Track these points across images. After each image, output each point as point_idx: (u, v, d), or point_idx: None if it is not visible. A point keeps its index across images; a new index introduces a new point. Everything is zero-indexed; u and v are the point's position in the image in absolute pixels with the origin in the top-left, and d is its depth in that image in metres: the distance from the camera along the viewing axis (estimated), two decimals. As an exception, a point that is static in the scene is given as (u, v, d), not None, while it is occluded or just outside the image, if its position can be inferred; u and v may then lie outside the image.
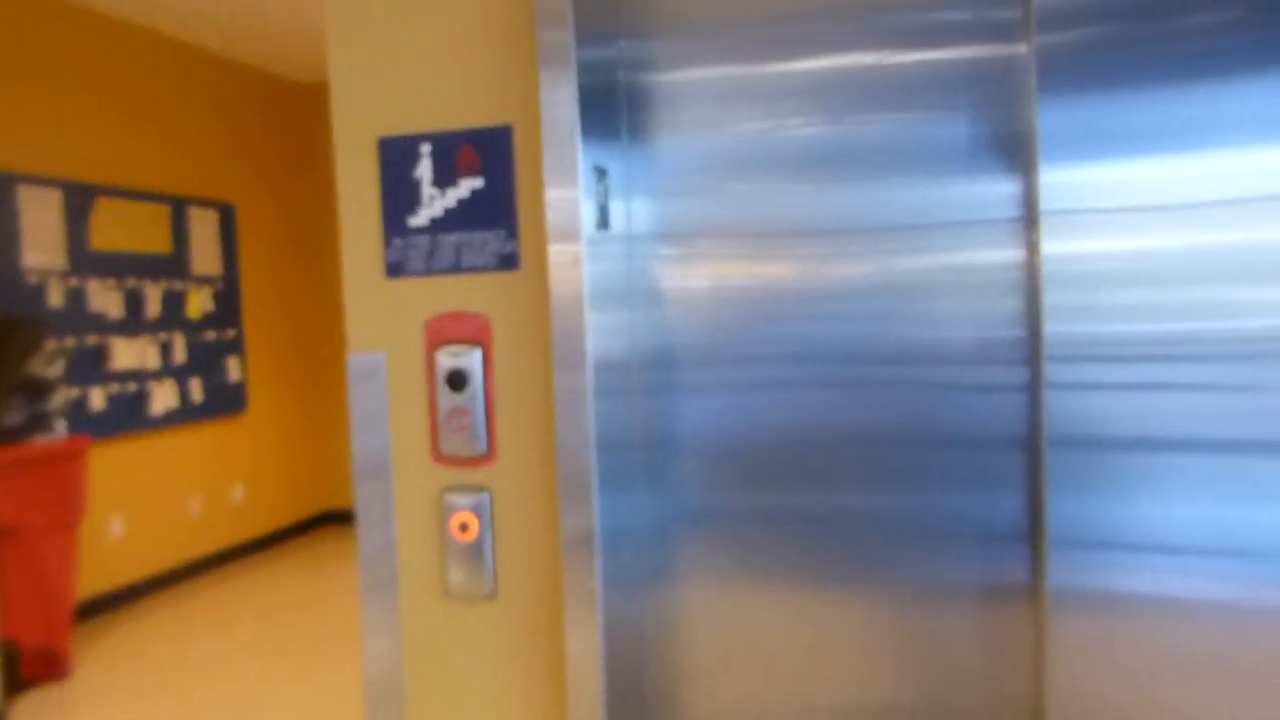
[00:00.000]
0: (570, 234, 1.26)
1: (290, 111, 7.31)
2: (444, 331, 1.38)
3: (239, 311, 6.61)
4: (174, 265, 6.05)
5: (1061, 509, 1.31)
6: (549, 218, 1.26)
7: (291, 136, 7.30)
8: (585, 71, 1.30)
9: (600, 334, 1.33)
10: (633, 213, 1.42)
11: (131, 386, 5.70)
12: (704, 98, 1.39)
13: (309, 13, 5.46)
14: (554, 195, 1.26)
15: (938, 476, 1.37)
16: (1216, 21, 1.23)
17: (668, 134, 1.40)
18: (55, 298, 5.21)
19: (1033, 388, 1.32)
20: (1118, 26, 1.26)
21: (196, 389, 6.21)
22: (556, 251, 1.27)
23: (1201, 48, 1.24)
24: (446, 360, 1.37)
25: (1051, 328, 1.29)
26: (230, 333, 6.51)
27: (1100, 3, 1.26)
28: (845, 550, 1.40)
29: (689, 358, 1.42)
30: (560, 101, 1.27)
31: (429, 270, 1.37)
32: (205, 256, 6.32)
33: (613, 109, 1.40)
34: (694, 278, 1.41)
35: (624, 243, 1.41)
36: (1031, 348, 1.32)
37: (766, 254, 1.39)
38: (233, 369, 6.53)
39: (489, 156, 1.34)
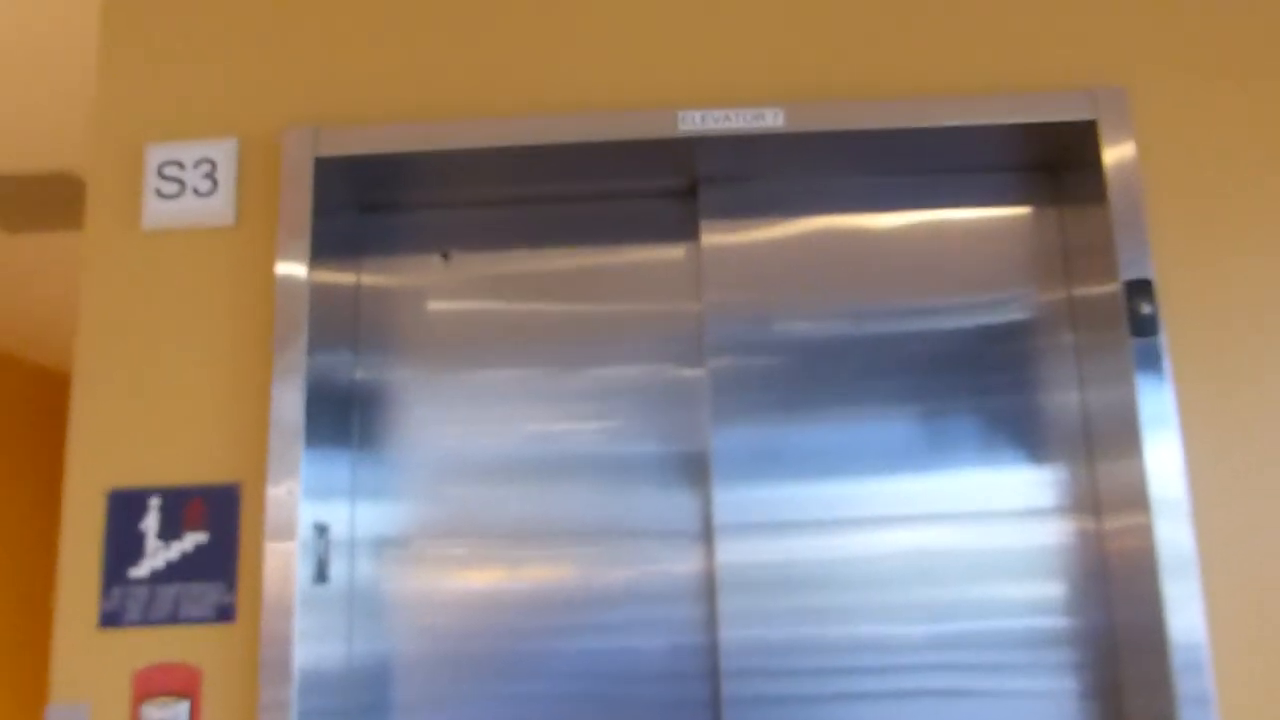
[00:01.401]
0: (286, 592, 1.36)
1: (58, 407, 6.95)
2: (153, 683, 1.39)
3: (-65, 638, 5.84)
4: None
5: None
6: (266, 576, 1.37)
7: (57, 434, 6.89)
8: (320, 384, 1.47)
9: (313, 660, 1.40)
10: (358, 518, 1.56)
11: None
12: (430, 408, 1.59)
13: (64, 298, 5.35)
14: (273, 554, 1.38)
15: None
16: (857, 364, 1.57)
17: (396, 440, 1.58)
18: None
19: (714, 702, 1.48)
20: (779, 363, 1.57)
21: None
22: (271, 607, 1.36)
23: (848, 386, 1.56)
24: (152, 713, 1.37)
25: (726, 634, 1.48)
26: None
27: (762, 341, 1.58)
28: None
29: (404, 671, 1.51)
30: (287, 462, 1.41)
31: (145, 621, 1.41)
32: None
33: (346, 417, 1.57)
34: (412, 583, 1.54)
35: (346, 550, 1.54)
36: (712, 657, 1.49)
37: (479, 559, 1.55)
38: (-83, 706, 5.67)
39: (216, 512, 1.43)
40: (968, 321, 1.58)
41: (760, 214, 1.63)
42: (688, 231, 1.65)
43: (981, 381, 1.57)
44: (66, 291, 4.81)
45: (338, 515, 1.51)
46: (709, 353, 1.58)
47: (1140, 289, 1.40)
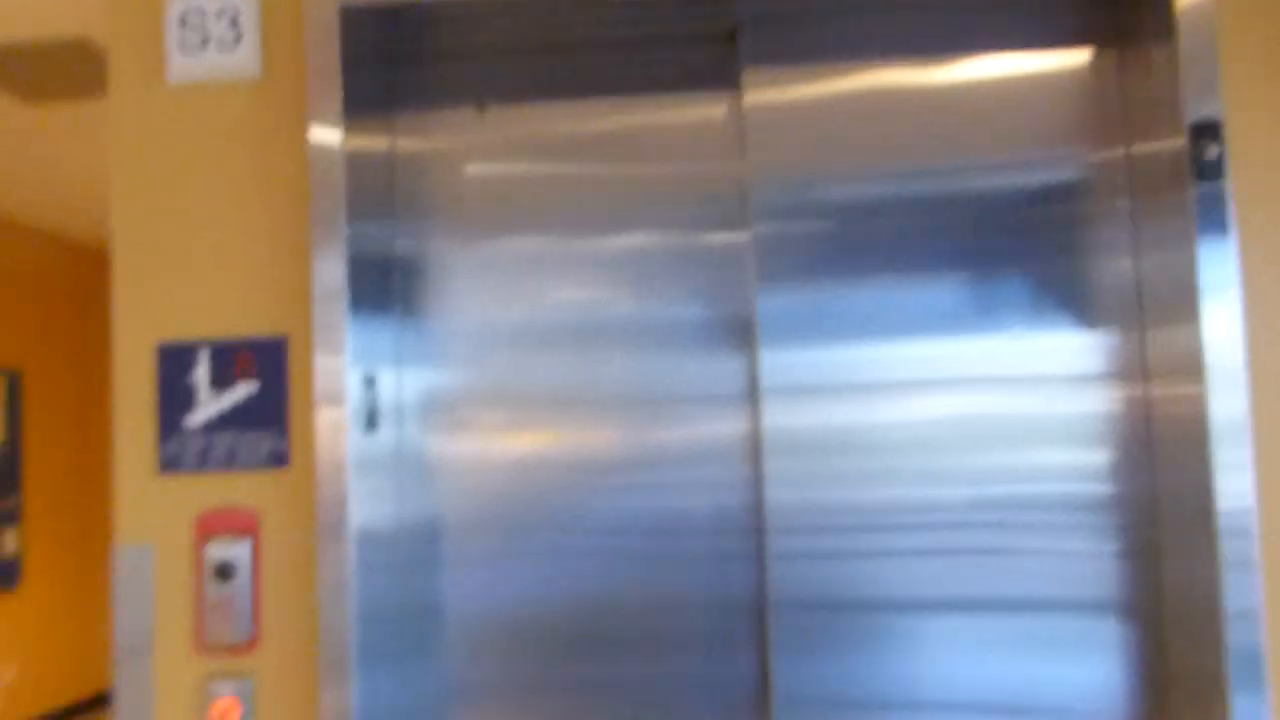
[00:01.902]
0: (337, 438, 1.39)
1: (87, 276, 7.12)
2: (214, 525, 1.45)
3: (19, 481, 6.20)
4: (-50, 430, 5.66)
5: (787, 672, 1.49)
6: (317, 424, 1.40)
7: (89, 303, 7.09)
8: (360, 253, 1.47)
9: (366, 515, 1.44)
10: (404, 383, 1.58)
11: (-114, 562, 5.21)
12: (472, 274, 1.59)
13: (109, 178, 5.39)
14: (323, 402, 1.40)
15: (681, 643, 1.53)
16: (904, 225, 1.52)
17: (438, 307, 1.59)
18: None
19: (759, 556, 1.52)
20: (825, 224, 1.53)
21: (-37, 563, 5.73)
22: (324, 451, 1.40)
23: (895, 248, 1.52)
24: (216, 552, 1.44)
25: (772, 494, 1.50)
26: (8, 503, 6.09)
27: (808, 202, 1.54)
28: (601, 717, 1.52)
29: (454, 530, 1.56)
30: (332, 318, 1.42)
31: (202, 467, 1.46)
32: (-14, 421, 5.96)
33: (387, 284, 1.57)
34: (460, 446, 1.57)
35: (394, 414, 1.56)
36: (757, 515, 1.52)
37: (527, 423, 1.57)
38: (8, 541, 6.07)
39: (265, 362, 1.46)
40: (1019, 180, 1.51)
41: (803, 62, 1.55)
42: (729, 81, 1.57)
43: (1032, 244, 1.51)
44: (94, 163, 4.82)
45: (383, 382, 1.53)
46: (754, 215, 1.53)
47: (1207, 131, 1.31)
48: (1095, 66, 1.51)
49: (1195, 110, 1.32)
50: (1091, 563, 1.47)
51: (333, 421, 1.40)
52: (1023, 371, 1.50)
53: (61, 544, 6.67)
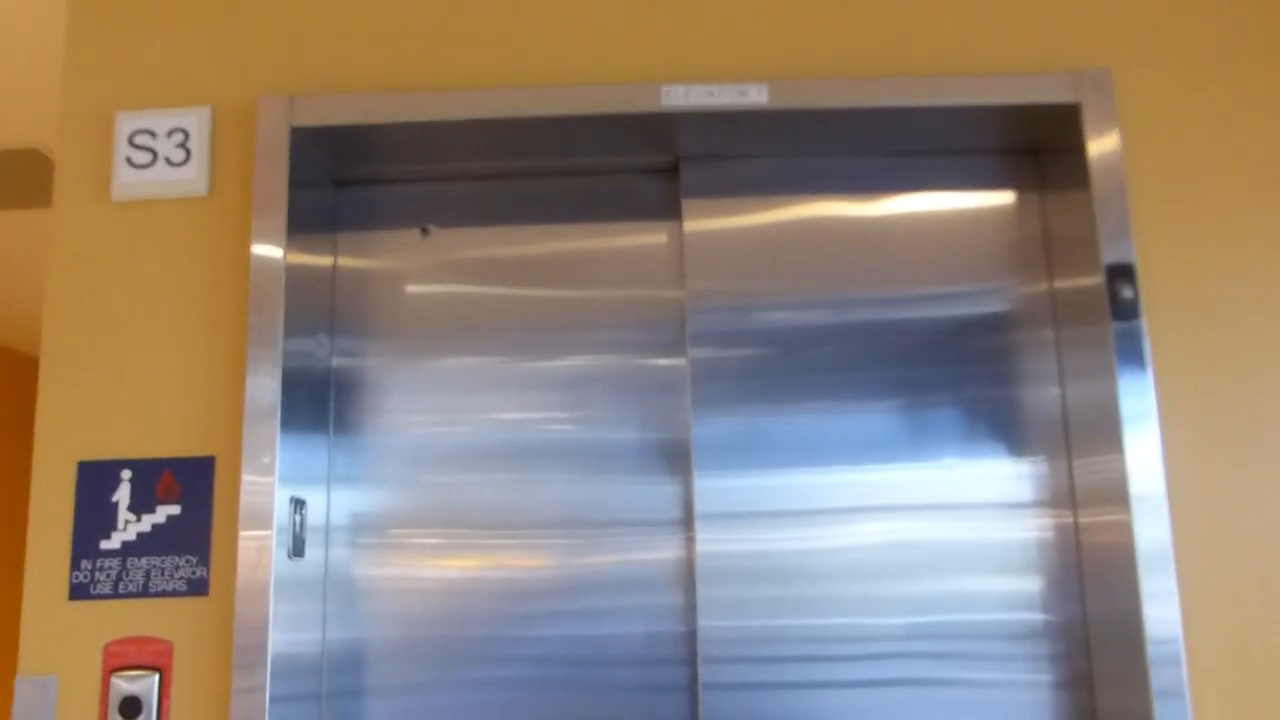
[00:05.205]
0: (261, 567, 1.35)
1: (20, 388, 6.93)
2: (124, 656, 1.39)
3: (-74, 601, 5.86)
4: None
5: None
6: (241, 550, 1.36)
7: (21, 416, 6.88)
8: (295, 369, 1.45)
9: (286, 642, 1.39)
10: (334, 504, 1.54)
11: None
12: (409, 393, 1.57)
13: (31, 282, 5.31)
14: (248, 529, 1.36)
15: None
16: (838, 353, 1.55)
17: (373, 426, 1.57)
18: None
19: (691, 687, 1.48)
20: (761, 351, 1.55)
21: None
22: (245, 576, 1.35)
23: (829, 376, 1.55)
24: (123, 685, 1.37)
25: (705, 623, 1.47)
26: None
27: (744, 329, 1.56)
28: None
29: (379, 657, 1.50)
30: (263, 435, 1.39)
31: (116, 594, 1.40)
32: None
33: (322, 402, 1.55)
34: (390, 570, 1.53)
35: (321, 535, 1.52)
36: (690, 644, 1.49)
37: (459, 547, 1.53)
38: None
39: (190, 484, 1.42)
40: (950, 311, 1.57)
41: (742, 195, 1.61)
42: (670, 212, 1.62)
43: (962, 373, 1.55)
44: (33, 272, 4.76)
45: (313, 501, 1.50)
46: (691, 341, 1.56)
47: (1122, 273, 1.38)
48: (1020, 208, 1.59)
49: (1110, 253, 1.40)
50: (1028, 693, 1.46)
51: (256, 545, 1.36)
52: (955, 499, 1.52)
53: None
